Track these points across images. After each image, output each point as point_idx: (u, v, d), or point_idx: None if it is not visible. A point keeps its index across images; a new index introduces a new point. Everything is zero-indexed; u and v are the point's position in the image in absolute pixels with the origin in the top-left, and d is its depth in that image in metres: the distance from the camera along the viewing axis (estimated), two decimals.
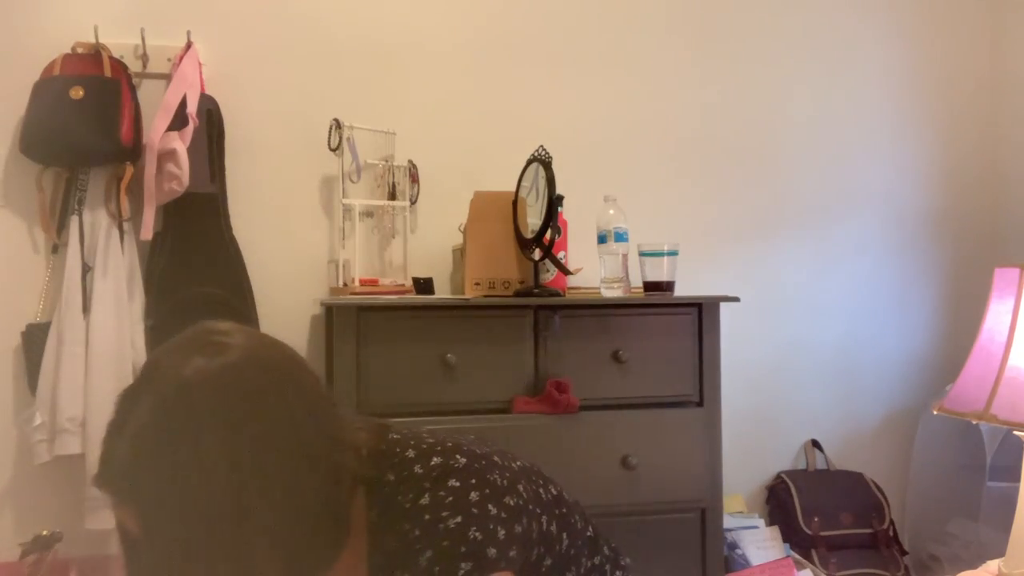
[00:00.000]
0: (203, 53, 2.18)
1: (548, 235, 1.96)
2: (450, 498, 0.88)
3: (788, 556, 2.25)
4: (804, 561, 2.26)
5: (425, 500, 0.88)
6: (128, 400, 0.82)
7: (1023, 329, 1.63)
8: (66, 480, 2.04)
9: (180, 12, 2.19)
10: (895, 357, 2.69)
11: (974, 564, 1.84)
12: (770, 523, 2.44)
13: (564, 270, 2.07)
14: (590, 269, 2.18)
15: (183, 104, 2.03)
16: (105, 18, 2.12)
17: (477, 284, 2.00)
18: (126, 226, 2.07)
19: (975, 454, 2.46)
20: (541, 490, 1.05)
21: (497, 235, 2.03)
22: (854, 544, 2.40)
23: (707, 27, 2.57)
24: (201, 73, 2.16)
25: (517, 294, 1.99)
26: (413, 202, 2.27)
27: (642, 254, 2.10)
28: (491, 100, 2.39)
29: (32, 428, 1.97)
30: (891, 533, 2.45)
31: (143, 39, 2.14)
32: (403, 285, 2.14)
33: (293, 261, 2.24)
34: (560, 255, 2.14)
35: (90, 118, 1.99)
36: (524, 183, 2.08)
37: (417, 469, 0.91)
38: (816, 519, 2.40)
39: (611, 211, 2.08)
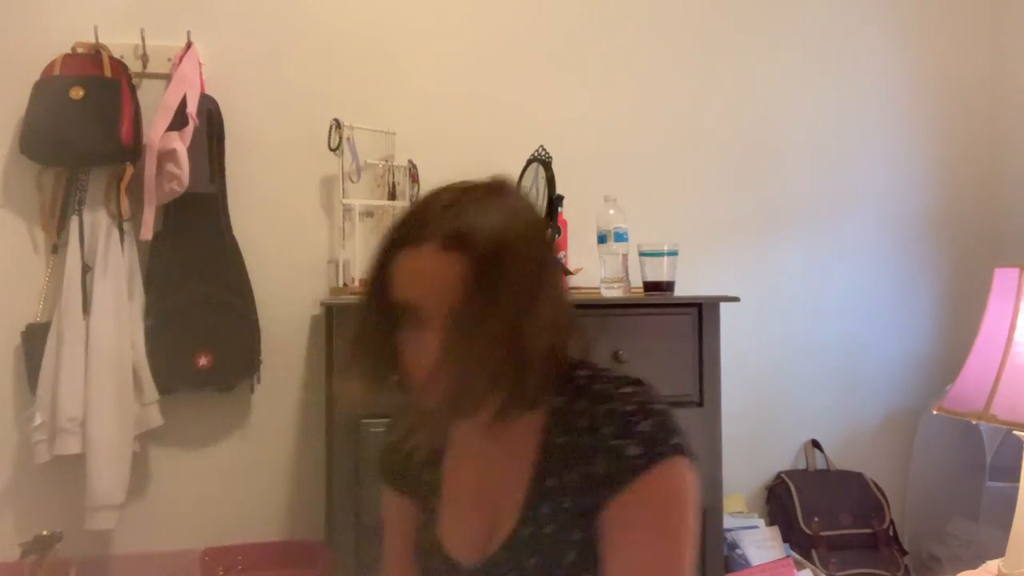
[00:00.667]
0: (203, 53, 2.18)
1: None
2: (636, 399, 0.95)
3: (788, 556, 2.25)
4: (804, 561, 2.26)
5: (613, 393, 0.96)
6: (473, 201, 0.96)
7: (1023, 329, 1.64)
8: (66, 480, 2.04)
9: (180, 12, 2.19)
10: (895, 357, 2.69)
11: (974, 564, 1.85)
12: (770, 523, 2.44)
13: (564, 270, 2.07)
14: (590, 269, 2.18)
15: (183, 104, 2.03)
16: (105, 18, 2.12)
17: None
18: (126, 226, 2.07)
19: (975, 454, 2.46)
20: None
21: None
22: (854, 544, 2.39)
23: (707, 27, 2.57)
24: (201, 73, 2.16)
25: None
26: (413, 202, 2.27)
27: (642, 254, 2.10)
28: (491, 100, 2.39)
29: (32, 428, 1.97)
30: (891, 533, 2.45)
31: (143, 39, 2.14)
32: None
33: (293, 261, 2.24)
34: (560, 255, 2.14)
35: (90, 118, 1.99)
36: (524, 183, 2.08)
37: (608, 375, 1.00)
38: (816, 519, 2.40)
39: (611, 211, 2.08)
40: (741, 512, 2.44)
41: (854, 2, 2.68)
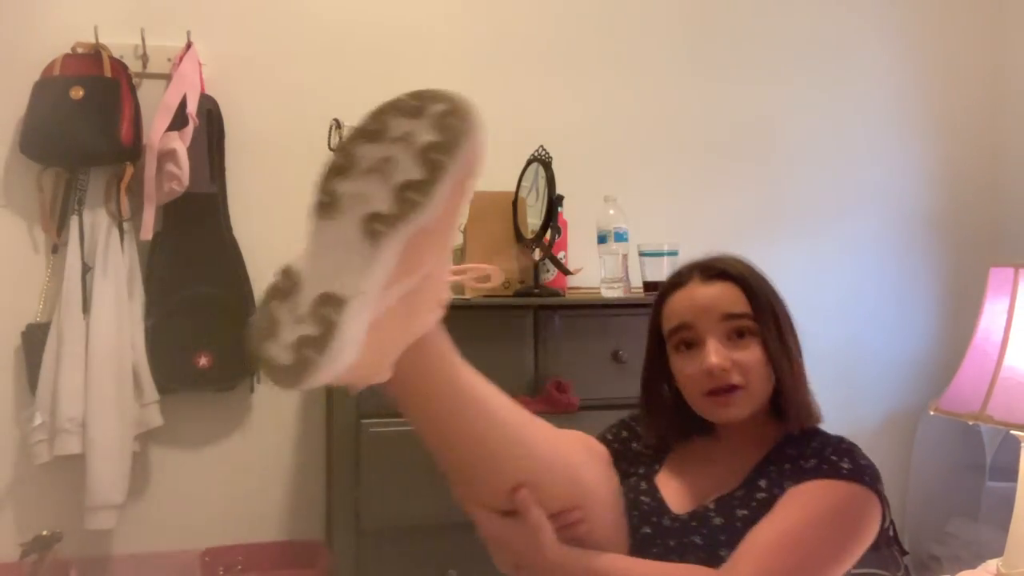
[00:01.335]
0: (203, 53, 2.18)
1: (548, 235, 1.96)
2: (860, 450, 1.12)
3: None
4: None
5: (842, 438, 1.14)
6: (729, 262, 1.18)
7: (1019, 329, 1.63)
8: (66, 480, 2.04)
9: (180, 12, 2.19)
10: (895, 357, 2.69)
11: (974, 564, 1.85)
12: None
13: (564, 270, 2.07)
14: (590, 269, 2.18)
15: (183, 104, 2.03)
16: (105, 18, 2.12)
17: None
18: (126, 226, 2.07)
19: (975, 454, 2.46)
20: None
21: (497, 235, 2.03)
22: None
23: (707, 27, 2.57)
24: (201, 73, 2.16)
25: (517, 294, 1.99)
26: None
27: (642, 254, 2.10)
28: (491, 100, 2.37)
29: (32, 428, 1.97)
30: (891, 533, 2.44)
31: (143, 39, 2.14)
32: None
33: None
34: (560, 255, 2.14)
35: (90, 118, 1.99)
36: (524, 183, 2.08)
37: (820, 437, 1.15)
38: None
39: (611, 211, 2.08)
40: None
41: (854, 3, 2.68)
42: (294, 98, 2.26)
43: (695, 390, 1.12)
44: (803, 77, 2.63)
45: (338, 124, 2.13)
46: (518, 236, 2.03)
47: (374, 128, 0.83)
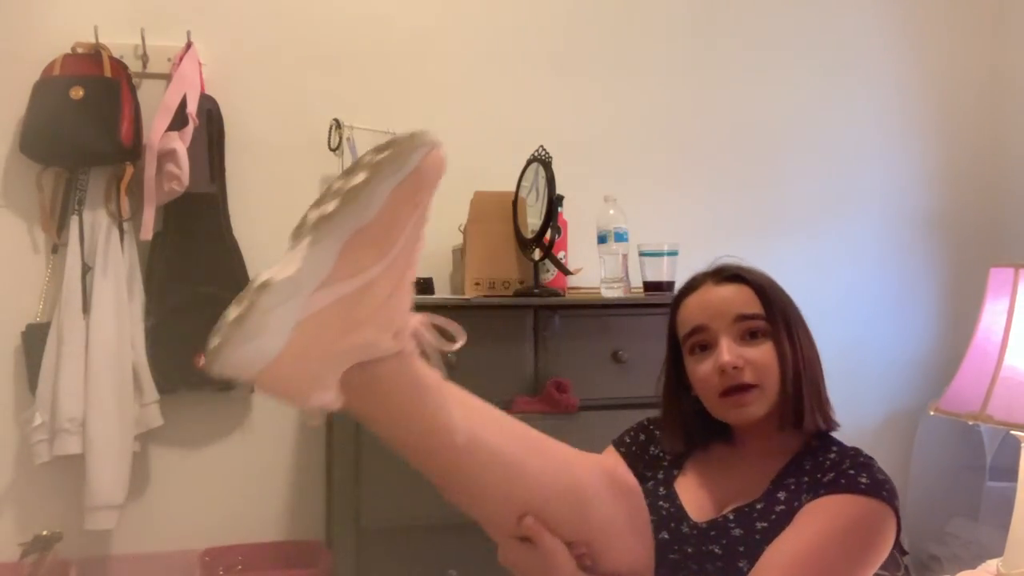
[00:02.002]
0: (203, 53, 2.18)
1: (548, 235, 1.96)
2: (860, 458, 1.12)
3: None
4: None
5: (859, 451, 1.15)
6: (741, 267, 1.23)
7: (1018, 329, 1.63)
8: (66, 480, 2.04)
9: (180, 12, 2.19)
10: (895, 357, 2.69)
11: (974, 564, 1.84)
12: None
13: (564, 270, 2.07)
14: (590, 269, 2.18)
15: (183, 104, 2.03)
16: (105, 18, 2.12)
17: (477, 284, 2.00)
18: (126, 226, 2.07)
19: (975, 454, 2.46)
20: None
21: (497, 235, 2.03)
22: None
23: (707, 27, 2.57)
24: (201, 73, 2.16)
25: (517, 294, 2.00)
26: None
27: (642, 254, 2.10)
28: (491, 100, 2.39)
29: (32, 428, 1.97)
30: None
31: (143, 39, 2.14)
32: None
33: None
34: (560, 255, 2.14)
35: (90, 118, 1.99)
36: (524, 183, 2.08)
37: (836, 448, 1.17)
38: None
39: (611, 211, 2.08)
40: None
41: (855, 2, 2.68)
42: (294, 98, 2.26)
43: (710, 391, 1.13)
44: (803, 77, 2.63)
45: (338, 124, 2.13)
46: (518, 236, 2.03)
47: (351, 166, 0.86)
